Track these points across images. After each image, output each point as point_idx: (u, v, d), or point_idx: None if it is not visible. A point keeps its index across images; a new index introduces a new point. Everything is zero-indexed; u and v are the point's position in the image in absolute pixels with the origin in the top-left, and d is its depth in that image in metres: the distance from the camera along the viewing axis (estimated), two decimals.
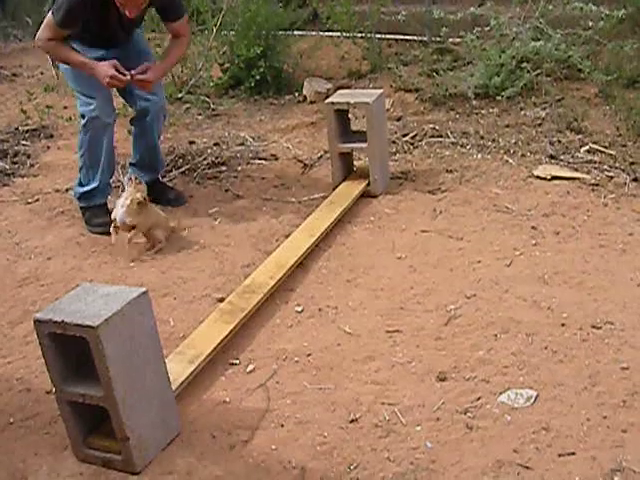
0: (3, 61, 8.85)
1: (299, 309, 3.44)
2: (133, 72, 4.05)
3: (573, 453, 2.47)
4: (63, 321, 2.35)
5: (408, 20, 6.67)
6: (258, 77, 6.37)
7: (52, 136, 6.03)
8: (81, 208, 4.48)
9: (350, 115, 4.78)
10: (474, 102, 5.74)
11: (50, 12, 3.99)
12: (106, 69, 3.97)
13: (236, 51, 6.43)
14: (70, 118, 5.95)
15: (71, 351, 2.45)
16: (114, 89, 4.28)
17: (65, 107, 6.33)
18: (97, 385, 2.41)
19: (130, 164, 4.71)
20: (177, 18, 4.29)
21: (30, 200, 4.87)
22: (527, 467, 2.43)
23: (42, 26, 4.04)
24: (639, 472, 2.37)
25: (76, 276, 3.85)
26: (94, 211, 4.41)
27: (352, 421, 2.70)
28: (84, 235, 4.29)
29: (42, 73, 8.00)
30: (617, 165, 4.62)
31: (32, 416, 2.88)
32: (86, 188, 4.40)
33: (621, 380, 2.79)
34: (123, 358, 2.40)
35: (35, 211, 4.71)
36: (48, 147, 5.84)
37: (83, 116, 4.23)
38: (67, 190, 4.90)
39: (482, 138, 5.21)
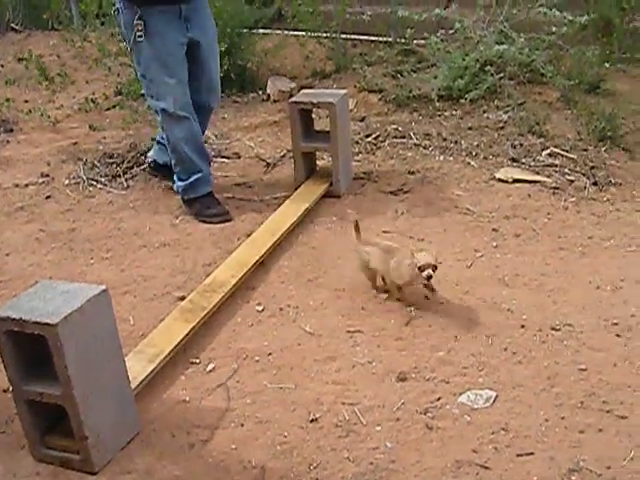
0: None
1: (260, 308, 3.43)
2: None
3: (532, 453, 2.49)
4: (21, 318, 2.32)
5: (373, 20, 6.71)
6: (222, 75, 6.32)
7: (12, 130, 5.96)
8: (187, 201, 4.44)
9: (314, 115, 4.78)
10: (437, 104, 5.77)
11: None
12: None
13: None
14: (30, 111, 5.90)
15: (29, 349, 2.42)
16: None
17: (26, 101, 6.29)
18: (55, 384, 2.39)
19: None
20: None
21: None
22: (486, 467, 2.44)
23: None
24: (596, 472, 2.40)
25: (35, 273, 3.81)
26: (203, 201, 4.39)
27: (312, 421, 2.70)
28: (44, 231, 4.25)
29: (2, 66, 7.91)
30: (578, 169, 4.66)
31: None
32: (187, 181, 4.37)
33: (579, 381, 2.82)
34: (82, 356, 2.37)
35: None
36: (8, 141, 5.77)
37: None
38: (27, 185, 4.86)
39: (445, 140, 5.23)
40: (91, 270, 3.85)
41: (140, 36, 4.01)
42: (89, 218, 4.39)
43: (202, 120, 4.47)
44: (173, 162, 4.37)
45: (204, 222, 4.30)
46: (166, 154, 4.47)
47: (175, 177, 4.44)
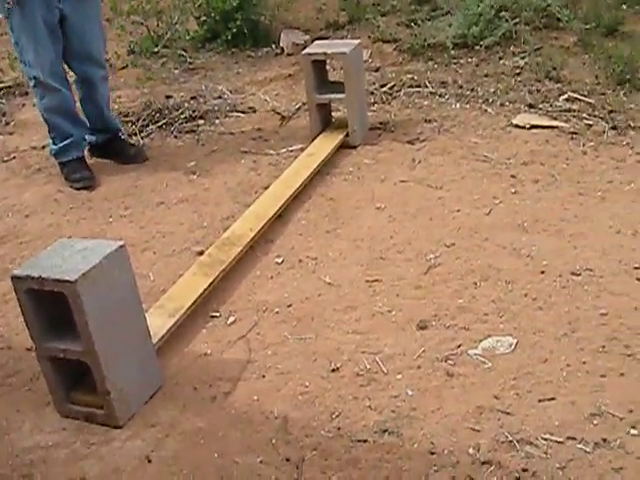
0: None
1: (279, 260, 3.43)
2: None
3: (553, 398, 2.49)
4: (40, 277, 2.33)
5: None
6: (235, 30, 6.29)
7: (27, 93, 5.95)
8: (59, 164, 4.45)
9: (328, 66, 4.75)
10: (452, 52, 5.71)
11: None
12: None
13: (212, 4, 6.34)
14: None
15: (50, 307, 2.44)
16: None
17: None
18: (77, 340, 2.40)
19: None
20: None
21: (6, 158, 4.83)
22: (507, 413, 2.45)
23: None
24: (618, 416, 2.39)
25: (54, 233, 3.82)
26: (72, 166, 4.38)
27: (333, 370, 2.71)
28: (62, 192, 4.26)
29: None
30: (596, 113, 4.61)
31: (13, 374, 2.88)
32: (57, 145, 4.38)
33: (600, 326, 2.81)
34: (102, 312, 2.39)
35: (12, 169, 4.67)
36: (23, 105, 5.77)
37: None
38: (43, 147, 4.86)
39: (461, 88, 5.19)
40: (110, 228, 3.86)
41: (9, 4, 4.02)
42: (106, 177, 4.40)
43: (91, 92, 4.46)
44: (47, 127, 4.39)
45: (70, 187, 4.33)
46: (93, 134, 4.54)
47: (49, 140, 4.46)
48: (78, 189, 4.30)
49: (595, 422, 2.38)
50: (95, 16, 4.34)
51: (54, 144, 4.41)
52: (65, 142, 4.35)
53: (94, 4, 4.33)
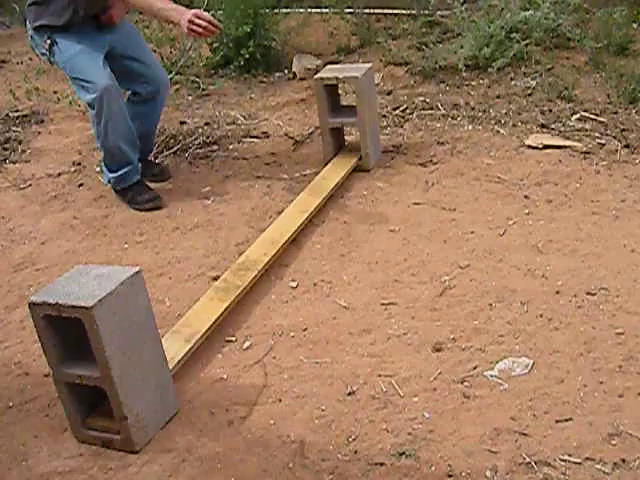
0: None
1: (294, 284, 3.44)
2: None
3: (570, 419, 2.49)
4: (57, 303, 2.35)
5: None
6: (247, 56, 6.33)
7: (43, 121, 6.00)
8: (118, 191, 4.44)
9: (340, 90, 4.77)
10: (464, 74, 5.73)
11: None
12: (188, 16, 3.81)
13: (225, 30, 6.39)
14: (58, 100, 5.96)
15: (67, 333, 2.46)
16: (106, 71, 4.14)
17: (55, 91, 6.30)
18: (94, 366, 2.41)
19: None
20: None
21: (22, 186, 4.86)
22: (525, 434, 2.44)
23: None
24: (637, 436, 2.38)
25: (71, 259, 3.85)
26: (135, 189, 4.39)
27: (349, 394, 2.71)
28: (77, 219, 4.28)
29: (30, 59, 7.94)
30: (608, 132, 4.62)
31: (31, 399, 2.89)
32: (118, 173, 4.35)
33: (616, 345, 2.80)
34: (119, 338, 2.40)
35: (28, 196, 4.70)
36: (39, 132, 5.81)
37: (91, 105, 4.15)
38: (59, 175, 4.90)
39: (473, 109, 5.20)
40: (126, 254, 3.88)
41: (46, 45, 4.10)
42: (121, 203, 4.41)
43: (150, 112, 4.50)
44: (102, 154, 4.33)
45: (138, 209, 4.33)
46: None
47: (104, 168, 4.42)
48: (148, 210, 4.30)
49: (613, 442, 2.37)
50: (141, 39, 4.47)
51: (111, 172, 4.36)
52: (125, 169, 4.32)
53: (134, 30, 4.43)
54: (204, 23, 3.81)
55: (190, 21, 3.79)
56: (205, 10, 5.92)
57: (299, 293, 3.38)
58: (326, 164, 4.50)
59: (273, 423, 2.61)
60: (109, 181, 4.45)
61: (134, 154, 4.34)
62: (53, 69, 6.58)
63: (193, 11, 3.83)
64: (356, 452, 2.45)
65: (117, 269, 2.54)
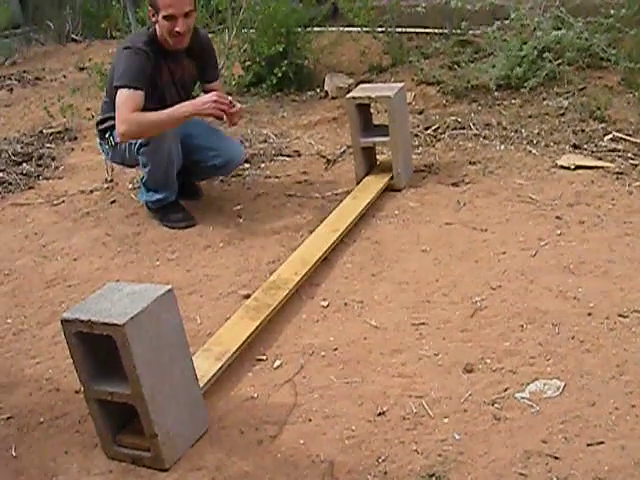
0: (26, 65, 8.94)
1: (325, 304, 3.44)
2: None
3: (602, 442, 2.46)
4: (90, 320, 2.36)
5: (428, 12, 6.67)
6: (280, 74, 6.37)
7: (76, 138, 6.08)
8: (152, 209, 4.49)
9: (372, 109, 4.78)
10: (496, 93, 5.73)
11: (114, 89, 3.99)
12: (205, 99, 3.89)
13: (257, 49, 6.44)
14: (92, 117, 6.02)
15: (98, 350, 2.47)
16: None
17: (88, 109, 6.36)
18: (125, 383, 2.42)
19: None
20: (217, 78, 4.51)
21: (56, 202, 4.91)
22: (556, 457, 2.42)
23: (118, 111, 3.92)
24: None
25: (102, 276, 3.88)
26: (169, 208, 4.43)
27: (380, 414, 2.70)
28: (110, 235, 4.32)
29: (65, 76, 8.06)
30: None
31: (62, 415, 2.90)
32: (157, 196, 4.39)
33: None
34: (150, 356, 2.41)
35: (61, 213, 4.75)
36: (72, 149, 5.89)
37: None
38: (92, 192, 4.95)
39: (505, 129, 5.19)
40: (157, 272, 3.90)
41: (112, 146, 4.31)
42: (153, 221, 4.45)
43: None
44: (146, 178, 4.34)
45: (169, 227, 4.37)
46: None
47: (143, 188, 4.45)
48: (181, 229, 4.34)
49: None
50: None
51: (149, 191, 4.40)
52: (165, 193, 4.36)
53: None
54: (226, 101, 3.89)
55: (215, 101, 3.85)
56: (238, 28, 6.03)
57: (330, 312, 3.37)
58: (358, 183, 4.51)
59: (303, 443, 2.61)
60: (146, 202, 4.49)
61: (176, 181, 4.38)
62: (87, 86, 6.68)
63: (209, 95, 3.91)
64: (386, 473, 2.44)
65: (149, 287, 2.55)
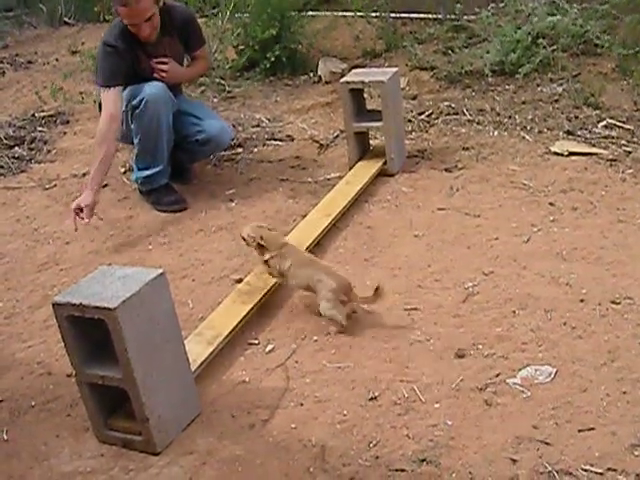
0: (18, 49, 8.89)
1: None
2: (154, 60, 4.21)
3: (593, 428, 2.47)
4: (81, 304, 2.36)
5: None
6: (273, 59, 6.34)
7: (68, 122, 6.05)
8: (143, 192, 4.51)
9: (365, 94, 4.77)
10: (490, 79, 5.71)
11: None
12: (83, 198, 4.01)
13: (251, 33, 6.40)
14: (84, 101, 5.99)
15: (90, 334, 2.47)
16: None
17: (80, 92, 6.33)
18: (116, 367, 2.42)
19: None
20: (200, 46, 4.58)
21: (47, 186, 4.90)
22: (547, 443, 2.42)
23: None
24: None
25: (94, 260, 3.87)
26: (161, 191, 4.43)
27: (371, 399, 2.70)
28: (101, 219, 4.29)
29: (57, 60, 8.02)
30: (635, 140, 4.59)
31: (53, 399, 2.90)
32: (147, 172, 4.40)
33: None
34: (142, 339, 2.41)
35: (53, 196, 4.74)
36: (64, 133, 5.86)
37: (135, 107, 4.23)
38: (84, 175, 4.92)
39: (498, 115, 5.19)
40: (149, 256, 3.90)
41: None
42: (145, 205, 4.44)
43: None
44: (137, 150, 4.39)
45: (162, 211, 4.38)
46: None
47: (134, 166, 4.48)
48: (173, 212, 4.35)
49: (636, 453, 2.35)
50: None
51: (140, 170, 4.43)
52: (156, 169, 4.38)
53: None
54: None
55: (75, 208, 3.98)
56: (232, 12, 6.00)
57: None
58: (351, 168, 4.50)
59: (294, 427, 2.61)
60: (137, 180, 4.48)
61: (167, 156, 4.38)
62: (79, 70, 6.64)
63: (81, 199, 4.01)
64: (377, 458, 2.44)
65: (141, 270, 2.55)
